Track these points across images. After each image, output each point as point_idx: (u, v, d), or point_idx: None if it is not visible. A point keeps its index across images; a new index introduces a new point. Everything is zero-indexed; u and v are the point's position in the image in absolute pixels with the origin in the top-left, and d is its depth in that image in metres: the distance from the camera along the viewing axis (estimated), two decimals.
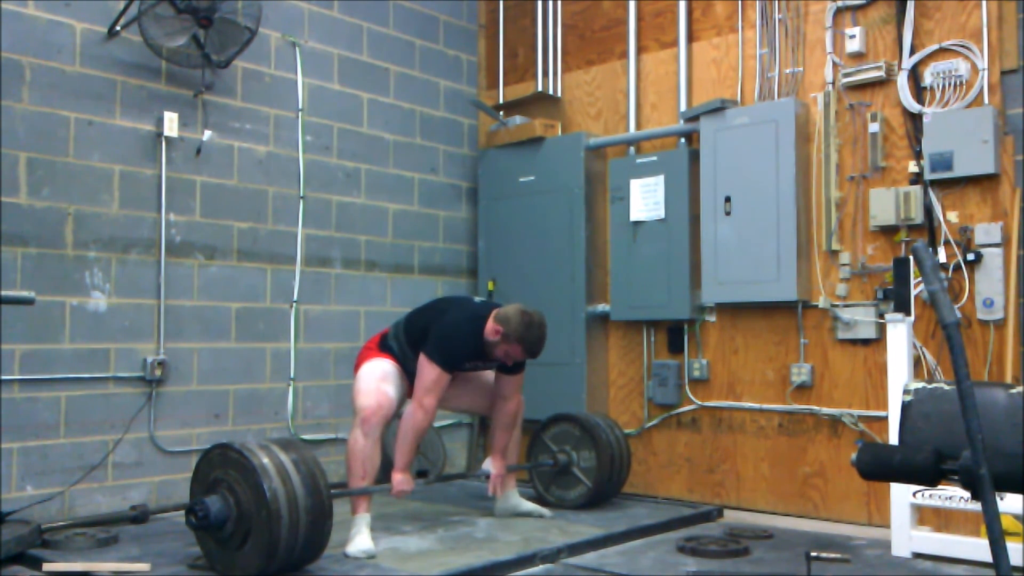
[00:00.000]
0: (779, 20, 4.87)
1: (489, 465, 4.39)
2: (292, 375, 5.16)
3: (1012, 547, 2.19)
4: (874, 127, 4.46)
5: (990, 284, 4.11)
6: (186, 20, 4.40)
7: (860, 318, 4.49)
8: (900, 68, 4.41)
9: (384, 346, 4.17)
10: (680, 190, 5.07)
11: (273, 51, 5.19)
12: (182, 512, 4.49)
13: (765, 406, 4.83)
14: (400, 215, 5.77)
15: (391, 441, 4.11)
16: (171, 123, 4.67)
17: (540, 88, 5.81)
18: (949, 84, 4.28)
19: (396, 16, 5.82)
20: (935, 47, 4.33)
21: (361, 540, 3.76)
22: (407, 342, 4.11)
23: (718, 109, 4.89)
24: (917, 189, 4.30)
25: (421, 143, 5.92)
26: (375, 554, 3.70)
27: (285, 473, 3.29)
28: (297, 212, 5.25)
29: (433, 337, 3.99)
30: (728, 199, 4.81)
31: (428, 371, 3.92)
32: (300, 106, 5.28)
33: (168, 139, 4.67)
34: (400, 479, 3.97)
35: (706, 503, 4.90)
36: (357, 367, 4.13)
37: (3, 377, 4.10)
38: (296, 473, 3.31)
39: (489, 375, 4.38)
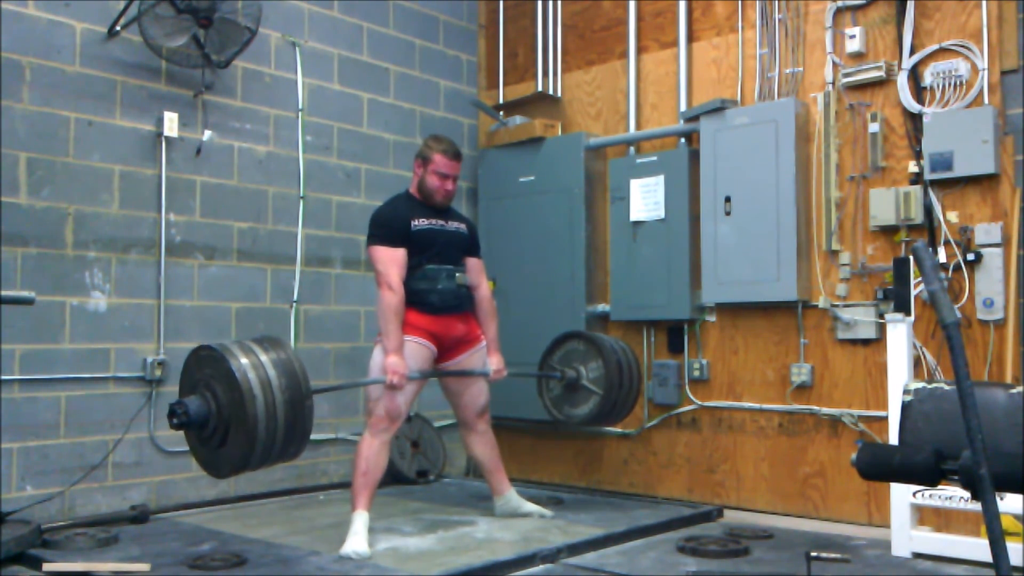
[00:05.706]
0: (779, 20, 4.86)
1: (486, 364, 4.34)
2: None
3: (1012, 547, 2.19)
4: (874, 127, 4.46)
5: (990, 284, 4.11)
6: (186, 20, 4.40)
7: (860, 318, 4.49)
8: (900, 68, 4.41)
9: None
10: (680, 190, 5.07)
11: (273, 51, 5.19)
12: (182, 512, 4.52)
13: (765, 406, 4.83)
14: None
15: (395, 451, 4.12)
16: (171, 123, 4.67)
17: (540, 88, 5.81)
18: (949, 84, 4.28)
19: (396, 16, 5.82)
20: (935, 47, 4.33)
21: (356, 540, 3.72)
22: None
23: (718, 109, 4.89)
24: (917, 189, 4.30)
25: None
26: (369, 556, 3.66)
27: (256, 358, 3.25)
28: (297, 212, 5.25)
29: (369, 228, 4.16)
30: (728, 199, 4.81)
31: (377, 253, 4.04)
32: (300, 106, 5.28)
33: (168, 139, 4.67)
34: (394, 361, 3.91)
35: (706, 503, 4.89)
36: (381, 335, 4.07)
37: (3, 377, 4.10)
38: (265, 353, 3.27)
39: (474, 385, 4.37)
